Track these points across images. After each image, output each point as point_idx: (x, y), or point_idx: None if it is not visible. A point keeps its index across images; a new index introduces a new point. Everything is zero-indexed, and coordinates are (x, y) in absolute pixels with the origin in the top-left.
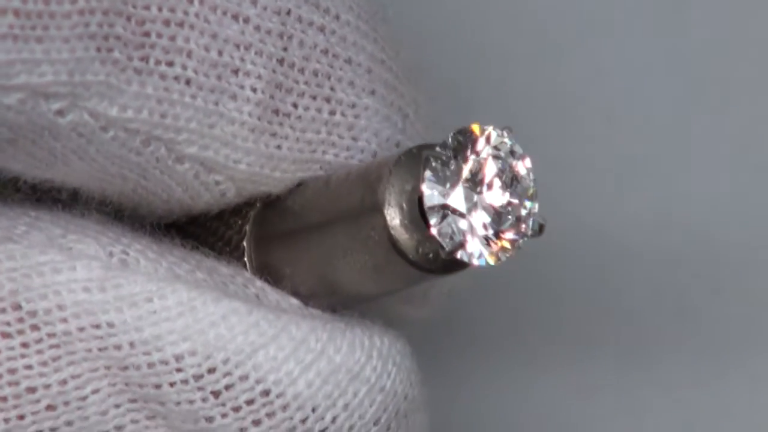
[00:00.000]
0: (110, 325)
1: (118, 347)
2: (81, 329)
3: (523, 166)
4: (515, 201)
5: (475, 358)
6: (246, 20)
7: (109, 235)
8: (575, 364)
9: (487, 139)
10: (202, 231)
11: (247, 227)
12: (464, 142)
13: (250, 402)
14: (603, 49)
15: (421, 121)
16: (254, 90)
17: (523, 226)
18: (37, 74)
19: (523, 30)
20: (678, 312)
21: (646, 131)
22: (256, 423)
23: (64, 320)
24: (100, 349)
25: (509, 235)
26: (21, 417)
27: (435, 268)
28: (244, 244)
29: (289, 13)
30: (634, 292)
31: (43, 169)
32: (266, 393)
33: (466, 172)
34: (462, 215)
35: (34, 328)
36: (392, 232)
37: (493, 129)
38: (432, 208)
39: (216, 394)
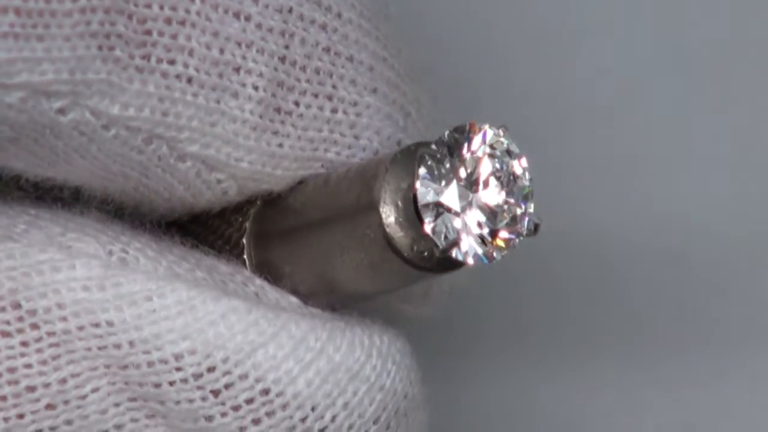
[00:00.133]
0: (110, 323)
1: (117, 346)
2: (80, 328)
3: (519, 166)
4: (511, 200)
5: (474, 357)
6: (247, 18)
7: (109, 234)
8: (575, 363)
9: (484, 138)
10: (203, 228)
11: (247, 224)
12: (460, 140)
13: (249, 401)
14: (603, 49)
15: (423, 120)
16: (256, 88)
17: (518, 225)
18: (38, 73)
19: (524, 29)
20: (678, 312)
21: (646, 131)
22: (256, 422)
23: (64, 319)
24: (99, 348)
25: (504, 234)
26: (21, 416)
27: (430, 267)
28: (244, 241)
29: (290, 11)
30: (634, 292)
31: (45, 167)
32: (266, 392)
33: (461, 170)
34: (456, 213)
35: (34, 326)
36: (387, 229)
37: (490, 127)
38: (426, 205)
39: (215, 393)
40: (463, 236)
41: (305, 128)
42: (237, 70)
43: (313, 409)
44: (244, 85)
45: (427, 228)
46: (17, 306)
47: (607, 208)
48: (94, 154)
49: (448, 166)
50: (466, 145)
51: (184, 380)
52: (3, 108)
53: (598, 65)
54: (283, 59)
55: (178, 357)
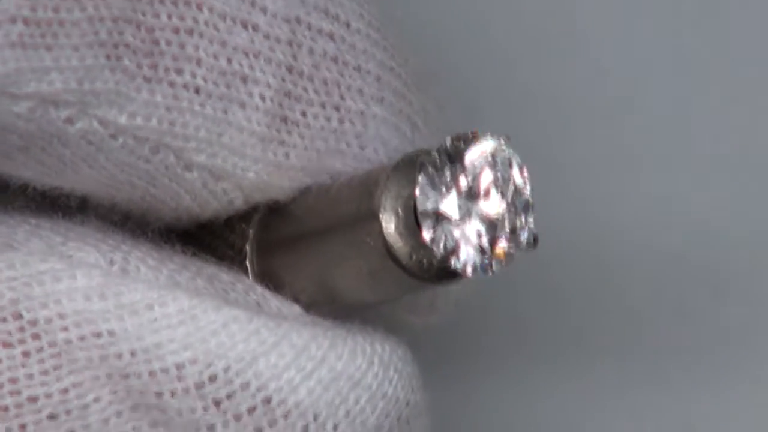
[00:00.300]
0: (111, 333)
1: (119, 356)
2: (82, 338)
3: (520, 177)
4: (511, 211)
5: (474, 358)
6: (255, 28)
7: (110, 243)
8: (575, 363)
9: (485, 147)
10: (207, 233)
11: (251, 231)
12: (461, 148)
13: (251, 410)
14: (603, 49)
15: (430, 130)
16: (263, 98)
17: (518, 237)
18: (46, 82)
19: (524, 29)
20: (678, 312)
21: (646, 131)
22: (258, 431)
23: (65, 329)
24: (101, 358)
25: (503, 245)
26: (23, 426)
27: (429, 276)
28: (247, 248)
29: (298, 20)
30: (634, 292)
31: (53, 176)
32: (267, 401)
33: (461, 179)
34: (455, 222)
35: (35, 337)
36: (387, 237)
37: (492, 137)
38: (425, 213)
39: (217, 402)
40: (462, 245)
41: (312, 138)
42: (244, 80)
43: (315, 417)
44: (251, 95)
45: (426, 236)
46: (18, 316)
47: (607, 208)
48: (101, 164)
49: (448, 174)
50: (467, 153)
51: (186, 389)
52: (11, 117)
53: (598, 65)
54: (290, 69)
55: (179, 366)
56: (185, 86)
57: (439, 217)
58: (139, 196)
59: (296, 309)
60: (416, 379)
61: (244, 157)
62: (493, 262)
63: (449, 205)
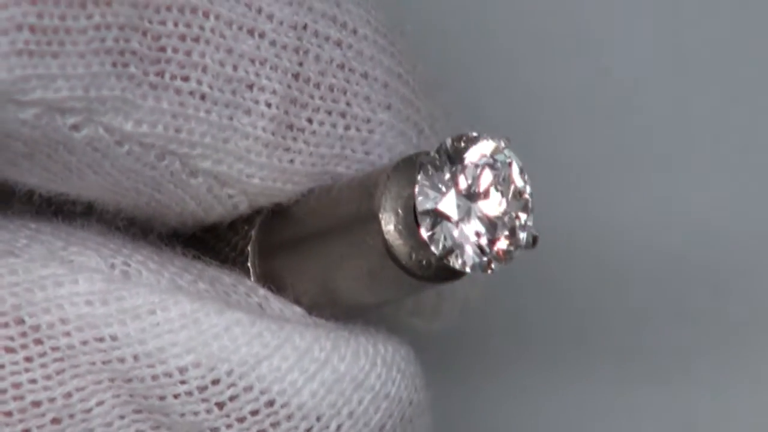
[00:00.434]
0: (113, 338)
1: (121, 360)
2: (84, 342)
3: (519, 177)
4: (510, 211)
5: (475, 358)
6: (262, 35)
7: (111, 247)
8: (576, 363)
9: (485, 148)
10: (210, 235)
11: (253, 233)
12: (461, 149)
13: (254, 413)
14: (603, 49)
15: (437, 136)
16: (269, 105)
17: (517, 237)
18: (52, 89)
19: (524, 29)
20: (678, 312)
21: (646, 131)
22: None
23: (68, 334)
24: (103, 362)
25: (503, 245)
26: (27, 431)
27: (428, 276)
28: (249, 249)
29: (305, 27)
30: (635, 292)
31: (59, 182)
32: (270, 403)
33: (461, 179)
34: (454, 222)
35: (38, 342)
36: (386, 237)
37: (491, 138)
38: (424, 212)
39: (220, 405)
40: (461, 245)
41: (317, 145)
42: (250, 87)
43: (318, 419)
44: (257, 102)
45: (424, 235)
46: (20, 321)
47: (608, 208)
48: (107, 170)
49: (448, 174)
50: (467, 154)
51: (189, 393)
52: (17, 124)
53: (598, 65)
54: (296, 76)
55: (182, 370)
56: (191, 93)
57: (438, 217)
58: (145, 201)
59: (298, 310)
60: (419, 378)
61: (250, 163)
62: (493, 262)
63: (448, 204)
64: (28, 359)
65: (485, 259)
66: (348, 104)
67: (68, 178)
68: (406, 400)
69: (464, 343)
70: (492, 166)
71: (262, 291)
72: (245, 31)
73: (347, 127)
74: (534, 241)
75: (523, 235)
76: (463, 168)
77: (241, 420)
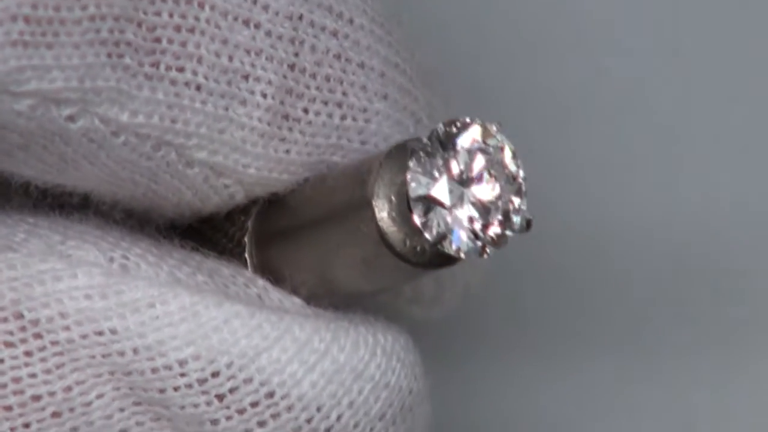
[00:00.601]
0: (113, 331)
1: (121, 353)
2: (84, 336)
3: (512, 162)
4: (503, 196)
5: (474, 357)
6: (257, 26)
7: (109, 240)
8: (575, 363)
9: (477, 133)
10: (207, 226)
11: (249, 223)
12: (453, 134)
13: (254, 404)
14: (603, 49)
15: (435, 125)
16: (264, 95)
17: (511, 221)
18: (47, 80)
19: (524, 29)
20: (678, 312)
21: (646, 131)
22: (261, 424)
23: (67, 328)
24: (103, 356)
25: (496, 229)
26: (27, 425)
27: (423, 262)
28: (246, 240)
29: (301, 18)
30: (634, 291)
31: (55, 174)
32: (271, 395)
33: (453, 164)
34: (447, 207)
35: (37, 336)
36: (380, 224)
37: (483, 123)
38: (416, 198)
39: (220, 397)
40: (455, 230)
41: (313, 135)
42: (246, 77)
43: (318, 409)
44: (252, 92)
45: (417, 220)
46: (20, 316)
47: (607, 208)
48: (103, 161)
49: (440, 160)
50: (458, 139)
51: (189, 385)
52: (12, 115)
53: (598, 65)
54: (292, 66)
55: (182, 363)
56: (187, 84)
57: (431, 203)
58: (141, 192)
59: (297, 301)
60: (418, 367)
61: (246, 153)
62: (487, 246)
63: (440, 190)
64: (28, 353)
65: (479, 244)
66: (344, 94)
67: (64, 170)
68: (405, 389)
69: (464, 343)
70: (484, 151)
71: (260, 282)
72: (240, 21)
73: (343, 117)
74: (528, 224)
75: (516, 219)
76: (456, 153)
77: (241, 412)
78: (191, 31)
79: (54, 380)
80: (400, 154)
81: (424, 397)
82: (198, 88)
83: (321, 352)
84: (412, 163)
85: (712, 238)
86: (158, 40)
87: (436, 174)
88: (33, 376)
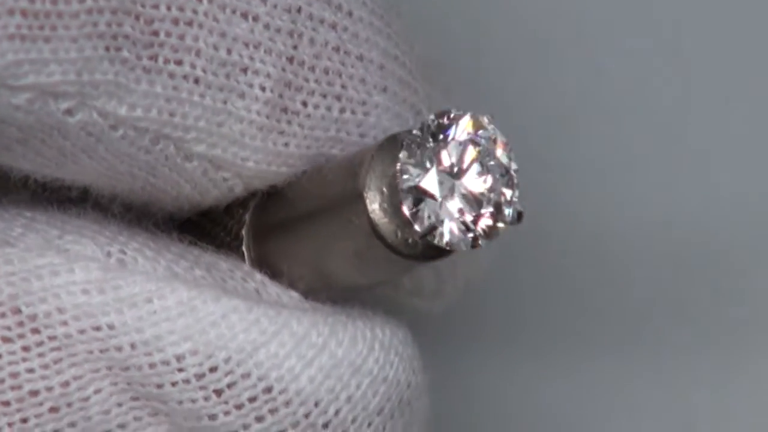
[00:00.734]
0: (110, 326)
1: (119, 348)
2: (81, 331)
3: (503, 153)
4: (494, 187)
5: (473, 352)
6: (255, 18)
7: (106, 234)
8: (575, 362)
9: (468, 125)
10: (205, 220)
11: (247, 216)
12: (444, 126)
13: (252, 399)
14: (603, 49)
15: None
16: (263, 88)
17: (502, 213)
18: (45, 74)
19: (523, 29)
20: (678, 312)
21: (646, 131)
22: (259, 419)
23: (65, 323)
24: (101, 351)
25: (488, 221)
26: (24, 420)
27: (415, 254)
28: (243, 233)
29: (299, 10)
30: (634, 291)
31: (53, 168)
32: (268, 390)
33: (444, 156)
34: (437, 199)
35: (35, 331)
36: (372, 215)
37: (474, 114)
38: (406, 190)
39: (218, 392)
40: (445, 222)
41: (312, 128)
42: (244, 70)
43: (316, 404)
44: (251, 85)
45: (407, 212)
46: (17, 311)
47: (607, 208)
48: (101, 155)
49: (431, 152)
50: (450, 131)
51: (187, 381)
52: (10, 109)
53: (598, 65)
54: (291, 59)
55: (179, 358)
56: (185, 77)
57: (421, 194)
58: (140, 186)
59: (295, 295)
60: (417, 360)
61: (244, 146)
62: (479, 238)
63: (430, 181)
64: (26, 349)
65: (470, 236)
66: (343, 87)
67: (63, 163)
68: (404, 383)
69: (463, 344)
70: (476, 143)
71: (258, 276)
72: (239, 14)
73: (342, 110)
74: (519, 216)
75: (508, 211)
76: (447, 145)
77: (239, 407)
78: (189, 23)
79: (52, 375)
80: (391, 145)
81: (423, 391)
82: (196, 81)
83: (319, 347)
84: (402, 155)
85: (712, 238)
86: (156, 33)
87: (427, 165)
88: (31, 371)
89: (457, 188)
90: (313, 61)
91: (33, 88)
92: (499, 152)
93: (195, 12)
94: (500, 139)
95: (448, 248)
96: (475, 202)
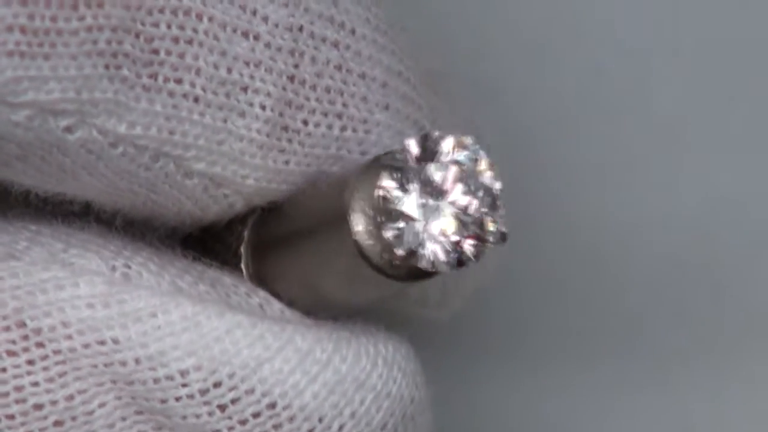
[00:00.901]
0: (115, 341)
1: (123, 363)
2: (86, 346)
3: (488, 174)
4: (478, 208)
5: (474, 357)
6: (256, 37)
7: (111, 249)
8: (575, 364)
9: (452, 146)
10: (208, 235)
11: (246, 233)
12: (427, 147)
13: (256, 415)
14: (603, 49)
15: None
16: (263, 107)
17: (486, 233)
18: (44, 91)
19: (523, 29)
20: (678, 313)
21: (646, 131)
22: None
23: (69, 337)
24: (105, 365)
25: (471, 242)
26: None
27: (401, 275)
28: (242, 250)
29: (301, 29)
30: (633, 292)
31: (54, 183)
32: (273, 406)
33: (426, 177)
34: (418, 221)
35: (39, 345)
36: (356, 238)
37: (458, 136)
38: (387, 213)
39: (222, 407)
40: (427, 244)
41: (313, 146)
42: (245, 89)
43: (320, 420)
44: (251, 104)
45: (389, 235)
46: (22, 325)
47: (605, 209)
48: (101, 171)
49: (413, 174)
50: (433, 153)
51: (191, 396)
52: (10, 126)
53: (598, 65)
54: (292, 78)
55: (183, 373)
56: (185, 95)
57: (403, 218)
58: (141, 202)
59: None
60: (419, 375)
61: (244, 164)
62: (464, 259)
63: (411, 205)
64: (30, 362)
65: (454, 257)
66: (344, 105)
67: (63, 180)
68: (407, 398)
69: (463, 344)
70: (459, 164)
71: (262, 291)
72: (239, 33)
73: (343, 128)
74: (503, 237)
75: (492, 230)
76: (429, 167)
77: (243, 422)
78: (189, 42)
79: (56, 389)
80: (374, 168)
81: (426, 406)
82: (196, 99)
83: (323, 363)
84: (384, 178)
85: (712, 239)
86: (156, 51)
87: (409, 188)
88: (35, 384)
89: (440, 210)
90: (314, 80)
91: (32, 105)
92: (483, 173)
93: (195, 31)
94: (484, 160)
95: (430, 270)
96: (458, 223)
